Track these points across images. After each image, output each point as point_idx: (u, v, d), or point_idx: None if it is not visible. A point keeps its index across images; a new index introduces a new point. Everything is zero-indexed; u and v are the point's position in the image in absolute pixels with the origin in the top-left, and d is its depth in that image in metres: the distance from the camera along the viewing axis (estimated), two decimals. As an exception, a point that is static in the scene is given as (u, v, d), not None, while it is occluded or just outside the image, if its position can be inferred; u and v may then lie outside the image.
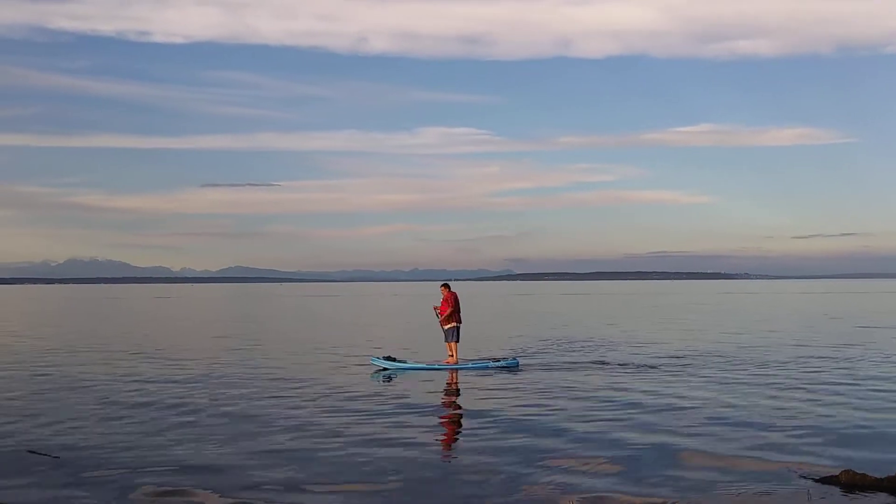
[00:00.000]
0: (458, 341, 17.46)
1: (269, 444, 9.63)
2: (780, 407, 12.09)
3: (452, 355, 17.37)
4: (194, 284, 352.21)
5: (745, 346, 21.78)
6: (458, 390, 14.56)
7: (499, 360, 17.57)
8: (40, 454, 9.26)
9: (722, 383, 14.62)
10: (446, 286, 17.90)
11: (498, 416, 11.57)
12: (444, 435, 10.79)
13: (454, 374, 16.32)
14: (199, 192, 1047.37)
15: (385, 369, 17.02)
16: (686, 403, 12.37)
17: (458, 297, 17.75)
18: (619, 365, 17.54)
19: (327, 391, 14.03)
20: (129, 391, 14.05)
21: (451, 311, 17.36)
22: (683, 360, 18.48)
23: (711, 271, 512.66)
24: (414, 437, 10.15)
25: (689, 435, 10.09)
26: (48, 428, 10.79)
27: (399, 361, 17.45)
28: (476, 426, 10.91)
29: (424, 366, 17.20)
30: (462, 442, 10.30)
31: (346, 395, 13.65)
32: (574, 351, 20.99)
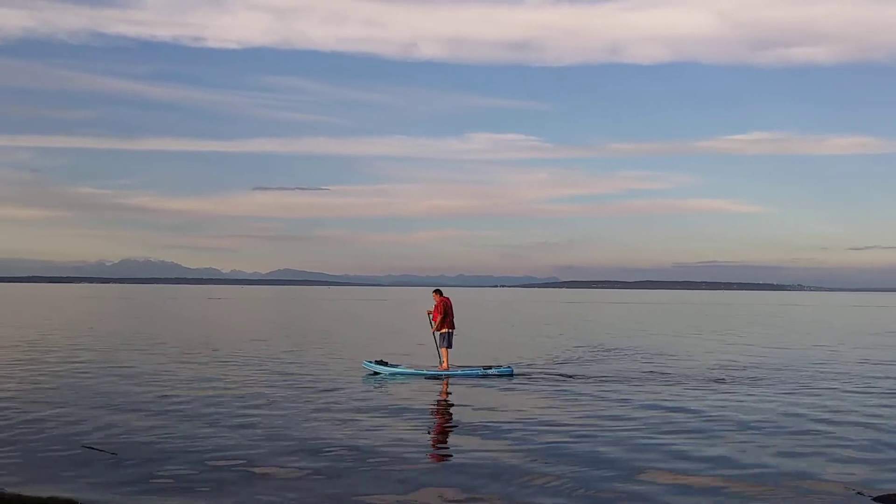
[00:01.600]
0: (450, 347, 17.51)
1: (254, 448, 9.64)
2: (835, 424, 11.60)
3: (444, 361, 17.42)
4: (244, 286, 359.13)
5: (791, 361, 20.93)
6: (447, 397, 14.60)
7: (491, 368, 17.49)
8: (98, 450, 9.19)
9: (767, 400, 13.93)
10: (438, 292, 17.99)
11: (484, 426, 11.41)
12: (429, 443, 10.76)
13: (445, 381, 16.37)
14: (249, 195, 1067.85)
15: (377, 373, 17.19)
16: (717, 424, 11.63)
17: (451, 304, 17.83)
18: (628, 378, 17.13)
19: (313, 394, 14.25)
20: (185, 390, 14.33)
21: (444, 317, 17.44)
22: (717, 374, 17.78)
23: (763, 282, 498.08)
24: (396, 445, 10.05)
25: (722, 455, 9.62)
26: (106, 425, 10.84)
27: (391, 366, 17.58)
28: (462, 435, 10.84)
29: (415, 371, 17.28)
30: (446, 451, 10.17)
31: (332, 399, 13.81)
32: (582, 363, 20.78)
